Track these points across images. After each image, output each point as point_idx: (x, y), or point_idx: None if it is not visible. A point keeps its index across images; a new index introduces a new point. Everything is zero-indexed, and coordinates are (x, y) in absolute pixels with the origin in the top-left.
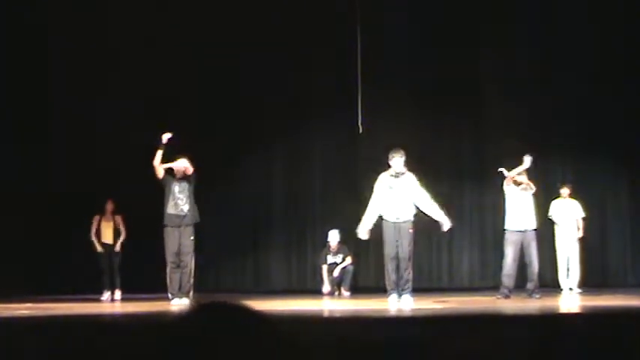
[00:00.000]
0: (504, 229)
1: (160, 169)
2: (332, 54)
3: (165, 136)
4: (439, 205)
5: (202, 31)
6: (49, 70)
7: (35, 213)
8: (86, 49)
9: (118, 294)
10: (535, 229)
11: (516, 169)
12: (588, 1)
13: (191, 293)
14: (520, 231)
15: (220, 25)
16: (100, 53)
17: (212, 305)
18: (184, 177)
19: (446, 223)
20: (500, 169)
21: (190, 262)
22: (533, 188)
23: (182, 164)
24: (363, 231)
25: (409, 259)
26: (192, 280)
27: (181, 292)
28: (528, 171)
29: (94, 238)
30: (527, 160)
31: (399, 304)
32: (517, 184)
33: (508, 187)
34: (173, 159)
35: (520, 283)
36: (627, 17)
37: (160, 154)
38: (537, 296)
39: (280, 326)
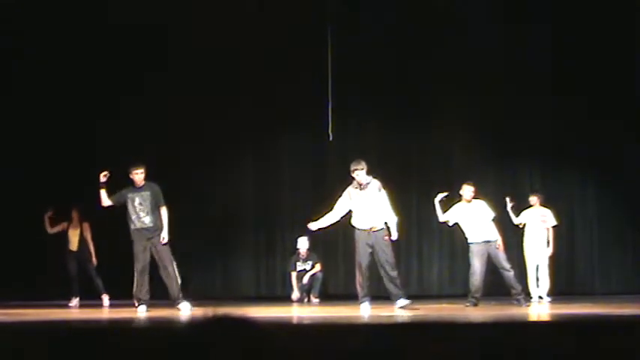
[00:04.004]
0: (468, 242)
1: (110, 201)
2: (302, 63)
3: (103, 175)
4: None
5: (172, 40)
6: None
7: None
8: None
9: (105, 299)
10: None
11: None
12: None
13: (181, 295)
14: (484, 242)
15: (191, 34)
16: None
17: (217, 318)
18: (145, 186)
19: (393, 234)
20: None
21: (171, 266)
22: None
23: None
24: (315, 225)
25: (394, 265)
26: (179, 283)
27: (172, 300)
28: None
29: (48, 229)
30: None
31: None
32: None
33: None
34: (134, 169)
35: (491, 291)
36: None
37: (103, 193)
38: (527, 304)
39: (278, 337)
